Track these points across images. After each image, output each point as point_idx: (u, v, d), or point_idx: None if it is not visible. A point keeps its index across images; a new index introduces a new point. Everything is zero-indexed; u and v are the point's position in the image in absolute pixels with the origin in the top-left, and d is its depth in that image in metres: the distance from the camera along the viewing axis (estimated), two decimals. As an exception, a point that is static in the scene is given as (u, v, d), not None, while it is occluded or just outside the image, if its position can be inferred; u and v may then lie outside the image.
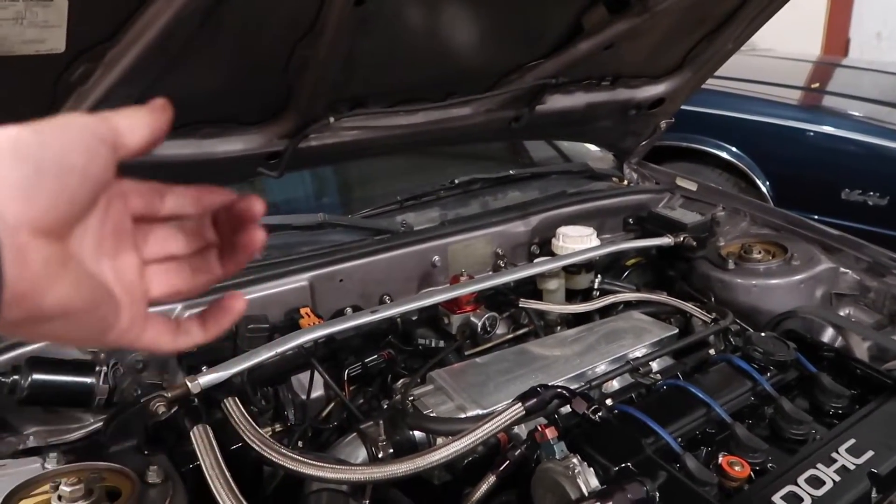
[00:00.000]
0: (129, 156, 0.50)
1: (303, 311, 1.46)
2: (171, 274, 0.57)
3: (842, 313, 1.75)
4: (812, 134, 3.63)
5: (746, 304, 1.74)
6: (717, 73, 3.79)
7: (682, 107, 3.78)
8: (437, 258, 1.70)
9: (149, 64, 1.05)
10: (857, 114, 3.63)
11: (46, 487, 0.98)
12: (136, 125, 0.51)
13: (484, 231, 1.78)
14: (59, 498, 0.94)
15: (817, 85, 4.25)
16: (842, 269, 1.78)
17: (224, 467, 1.00)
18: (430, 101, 1.57)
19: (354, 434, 1.31)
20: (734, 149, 3.87)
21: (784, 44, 5.79)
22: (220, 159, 1.35)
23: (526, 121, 1.80)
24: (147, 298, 0.54)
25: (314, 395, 1.50)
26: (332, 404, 1.49)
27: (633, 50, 1.77)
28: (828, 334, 1.66)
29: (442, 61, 1.50)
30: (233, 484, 0.98)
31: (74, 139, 0.46)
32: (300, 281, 1.49)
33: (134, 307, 0.52)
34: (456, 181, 1.94)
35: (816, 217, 2.02)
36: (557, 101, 1.82)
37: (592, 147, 2.51)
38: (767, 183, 3.73)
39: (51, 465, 1.03)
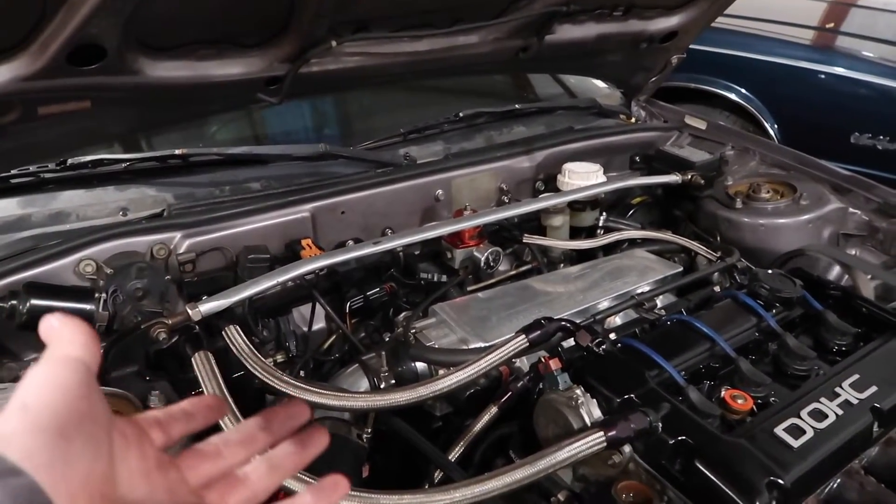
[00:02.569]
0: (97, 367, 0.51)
1: (304, 242, 1.44)
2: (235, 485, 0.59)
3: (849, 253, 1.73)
4: (823, 75, 3.54)
5: (753, 243, 1.72)
6: (727, 11, 3.67)
7: (693, 46, 3.68)
8: (440, 192, 1.67)
9: (141, -25, 1.00)
10: (870, 55, 3.53)
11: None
12: (85, 341, 0.51)
13: (489, 166, 1.74)
14: (62, 420, 0.94)
15: (831, 25, 4.13)
16: (850, 210, 1.75)
17: (227, 393, 1.00)
18: (436, 28, 1.50)
19: (356, 365, 1.31)
20: (743, 90, 3.79)
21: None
22: (219, 83, 1.30)
23: (534, 51, 1.73)
24: None
25: (315, 327, 1.50)
26: (334, 336, 1.49)
27: (648, -22, 1.70)
28: (835, 273, 1.65)
29: (449, -15, 1.43)
30: (236, 409, 0.97)
31: (68, 387, 0.47)
32: (302, 212, 1.47)
33: None
34: (460, 115, 1.89)
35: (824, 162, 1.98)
36: (567, 32, 1.75)
37: (600, 84, 2.44)
38: (776, 126, 3.66)
39: (52, 388, 1.02)
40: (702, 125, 2.17)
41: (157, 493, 0.51)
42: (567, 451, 0.93)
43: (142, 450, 0.51)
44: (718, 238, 1.76)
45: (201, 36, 1.24)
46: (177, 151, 1.51)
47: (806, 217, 1.71)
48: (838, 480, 1.19)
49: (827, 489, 1.18)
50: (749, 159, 2.01)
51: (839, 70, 3.52)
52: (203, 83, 1.29)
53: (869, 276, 1.56)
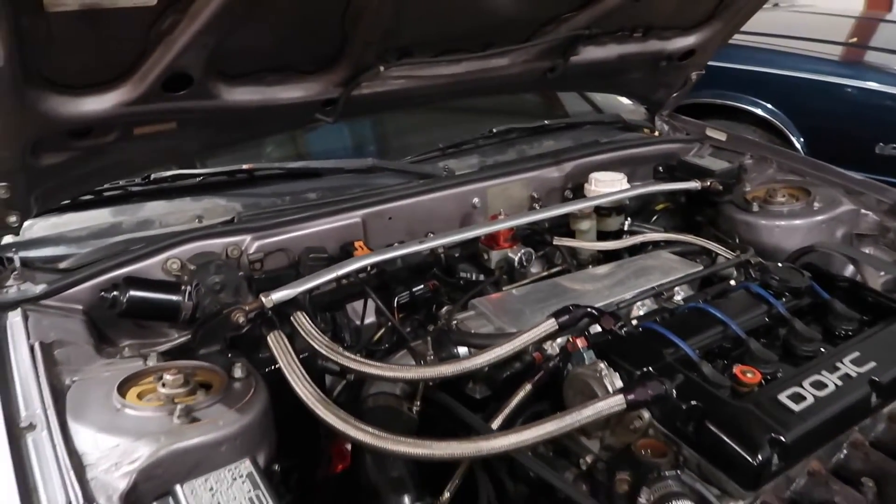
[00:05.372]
0: None
1: (356, 244, 1.61)
2: None
3: (862, 252, 1.83)
4: (847, 89, 3.64)
5: (770, 243, 1.84)
6: (754, 30, 3.80)
7: (720, 63, 3.83)
8: (476, 200, 1.83)
9: (225, 15, 1.19)
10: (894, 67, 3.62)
11: (150, 378, 1.15)
12: None
13: (520, 176, 1.90)
14: (163, 385, 1.12)
15: (855, 39, 4.21)
16: (863, 211, 1.86)
17: (299, 364, 1.17)
18: (470, 52, 1.68)
19: (404, 351, 1.47)
20: (769, 105, 3.90)
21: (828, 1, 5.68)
22: (283, 105, 1.50)
23: (561, 71, 1.90)
24: None
25: (367, 321, 1.67)
26: (383, 329, 1.65)
27: (664, 1, 1.86)
28: (847, 271, 1.76)
29: (481, 13, 1.60)
30: (307, 375, 1.14)
31: None
32: (353, 217, 1.65)
33: None
34: (494, 130, 2.06)
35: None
36: (591, 53, 1.91)
37: (625, 101, 2.60)
38: (801, 139, 3.76)
39: (151, 362, 1.20)
40: (722, 137, 2.30)
41: None
42: (591, 409, 1.08)
43: None
44: (737, 240, 1.89)
45: (269, 64, 1.44)
46: (244, 167, 1.71)
47: (819, 218, 1.83)
48: (845, 451, 1.31)
49: (835, 458, 1.30)
50: (767, 167, 2.13)
51: (863, 83, 3.61)
52: (270, 105, 1.48)
53: (881, 273, 1.66)
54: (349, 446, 1.50)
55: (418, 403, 1.35)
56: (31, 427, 1.01)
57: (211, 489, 0.94)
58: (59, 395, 1.09)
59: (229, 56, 1.34)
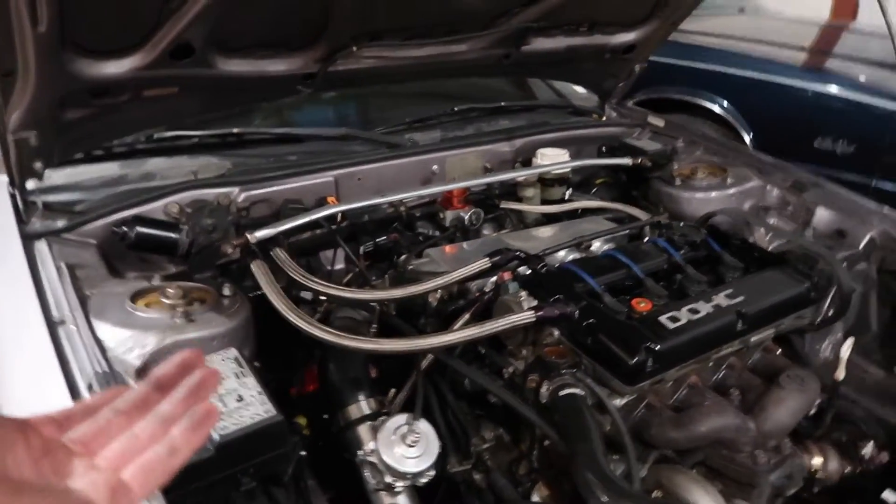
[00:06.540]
0: None
1: (329, 199, 1.88)
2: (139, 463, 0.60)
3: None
4: (796, 91, 3.97)
5: (688, 212, 2.14)
6: (718, 32, 4.12)
7: (685, 63, 4.17)
8: (436, 167, 2.11)
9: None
10: (832, 68, 3.95)
11: (156, 294, 1.42)
12: None
13: (476, 148, 2.18)
14: (166, 298, 1.38)
15: (805, 45, 4.55)
16: (768, 187, 2.16)
17: (277, 284, 1.44)
18: (433, 38, 1.95)
19: (367, 287, 1.75)
20: (725, 103, 4.21)
21: (795, 8, 5.99)
22: (269, 77, 1.76)
23: (514, 58, 2.18)
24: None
25: (337, 267, 1.94)
26: (351, 275, 1.92)
27: (607, 1, 2.14)
28: (751, 238, 2.05)
29: (444, 4, 1.88)
30: (283, 293, 1.41)
31: None
32: (327, 176, 1.92)
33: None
34: (455, 109, 2.34)
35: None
36: (541, 43, 2.19)
37: (581, 90, 2.89)
38: (751, 133, 4.08)
39: (156, 282, 1.47)
40: (660, 123, 2.59)
41: (46, 474, 0.57)
42: (506, 319, 1.36)
43: (26, 442, 0.57)
44: (661, 209, 2.18)
45: (259, 40, 1.70)
46: (234, 130, 1.98)
47: (730, 191, 2.13)
48: (723, 372, 1.61)
49: (714, 377, 1.60)
50: (695, 150, 2.43)
51: (805, 84, 3.94)
52: (258, 76, 1.74)
53: (768, 235, 1.97)
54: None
55: (375, 326, 1.62)
56: (63, 322, 1.28)
57: (205, 365, 1.21)
58: (82, 302, 1.35)
59: (226, 31, 1.60)
